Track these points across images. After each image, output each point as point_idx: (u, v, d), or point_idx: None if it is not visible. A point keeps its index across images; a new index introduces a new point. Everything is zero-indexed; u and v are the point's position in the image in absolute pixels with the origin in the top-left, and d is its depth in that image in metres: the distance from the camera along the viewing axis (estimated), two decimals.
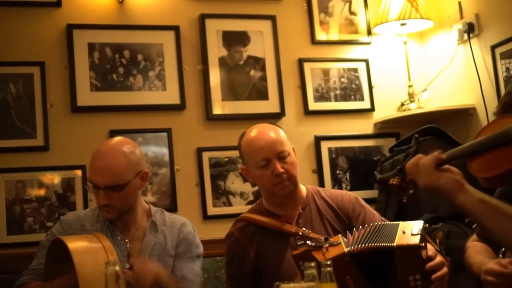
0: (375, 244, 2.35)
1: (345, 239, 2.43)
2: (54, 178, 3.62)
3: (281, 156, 2.70)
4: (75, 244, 2.33)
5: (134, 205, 2.79)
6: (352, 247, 2.37)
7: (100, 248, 2.34)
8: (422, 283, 2.28)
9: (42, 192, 3.59)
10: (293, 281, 1.83)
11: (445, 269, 2.33)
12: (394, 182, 2.34)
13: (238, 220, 2.89)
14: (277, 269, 2.70)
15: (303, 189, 2.86)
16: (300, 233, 2.69)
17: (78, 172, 3.65)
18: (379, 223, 2.52)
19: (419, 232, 2.32)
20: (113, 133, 3.62)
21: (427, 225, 2.42)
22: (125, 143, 2.75)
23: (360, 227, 2.48)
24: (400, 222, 2.43)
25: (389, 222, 2.56)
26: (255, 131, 2.79)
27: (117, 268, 1.47)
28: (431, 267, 2.30)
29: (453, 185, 2.14)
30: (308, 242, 2.49)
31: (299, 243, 2.66)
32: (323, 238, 2.51)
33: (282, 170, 2.67)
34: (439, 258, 2.34)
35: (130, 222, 2.80)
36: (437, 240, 2.49)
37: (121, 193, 2.66)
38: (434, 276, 2.30)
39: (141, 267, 2.57)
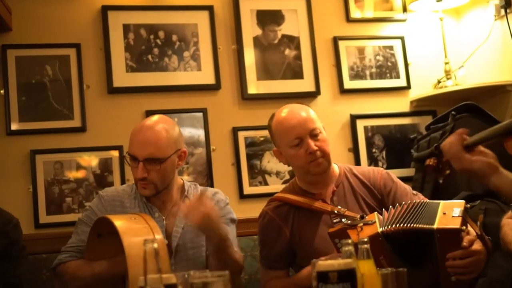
0: (413, 225, 2.33)
1: (380, 217, 2.42)
2: (92, 159, 3.66)
3: (314, 134, 2.70)
4: (124, 226, 2.35)
5: (171, 184, 2.81)
6: (387, 227, 2.36)
7: (147, 230, 2.36)
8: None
9: (80, 172, 3.63)
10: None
11: (476, 257, 2.30)
12: (430, 163, 2.33)
13: (271, 199, 2.90)
14: (312, 247, 2.71)
15: (335, 168, 2.86)
16: (336, 211, 2.69)
17: (115, 153, 3.68)
18: (419, 201, 2.49)
19: (461, 214, 2.29)
20: (149, 114, 3.64)
21: (468, 205, 2.39)
22: (166, 121, 2.80)
23: (397, 204, 2.47)
24: (441, 202, 2.40)
25: (429, 201, 2.52)
26: (285, 111, 2.78)
27: (156, 245, 1.49)
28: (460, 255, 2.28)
29: (487, 168, 2.17)
30: (343, 220, 2.49)
31: (335, 221, 2.67)
32: (358, 216, 2.51)
33: (316, 148, 2.67)
34: (475, 246, 2.30)
35: (167, 199, 2.82)
36: (478, 223, 2.45)
37: (160, 167, 2.69)
38: (449, 262, 2.29)
39: (195, 202, 2.55)
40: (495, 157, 2.18)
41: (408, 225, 2.33)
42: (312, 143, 2.67)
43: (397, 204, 2.47)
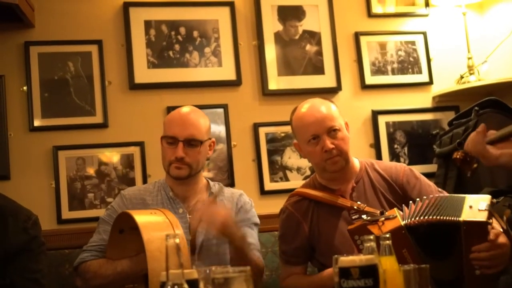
0: (439, 217, 2.32)
1: (401, 212, 2.41)
2: (113, 155, 3.67)
3: (332, 132, 2.68)
4: (143, 220, 2.36)
5: (199, 174, 2.86)
6: (409, 220, 2.35)
7: (167, 224, 2.37)
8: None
9: (102, 168, 3.64)
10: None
11: (501, 251, 2.28)
12: (458, 157, 2.32)
13: (292, 194, 2.90)
14: (331, 243, 2.71)
15: (356, 162, 2.85)
16: (355, 207, 2.69)
17: (137, 149, 3.69)
18: (442, 195, 2.48)
19: (487, 208, 2.28)
20: (170, 110, 3.64)
21: (494, 200, 2.38)
22: (199, 110, 2.93)
23: (418, 199, 2.46)
24: (467, 196, 2.39)
25: (454, 195, 2.51)
26: (305, 106, 2.78)
27: (177, 240, 1.48)
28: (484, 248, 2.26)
29: None
30: (363, 216, 2.48)
31: (354, 217, 2.66)
32: (378, 212, 2.50)
33: (331, 146, 2.66)
34: (501, 239, 2.29)
35: (191, 194, 2.85)
36: (504, 218, 2.44)
37: (197, 150, 2.78)
38: (474, 254, 2.26)
39: (211, 210, 2.58)
40: None
41: (434, 217, 2.32)
42: (328, 142, 2.66)
43: (418, 199, 2.46)
